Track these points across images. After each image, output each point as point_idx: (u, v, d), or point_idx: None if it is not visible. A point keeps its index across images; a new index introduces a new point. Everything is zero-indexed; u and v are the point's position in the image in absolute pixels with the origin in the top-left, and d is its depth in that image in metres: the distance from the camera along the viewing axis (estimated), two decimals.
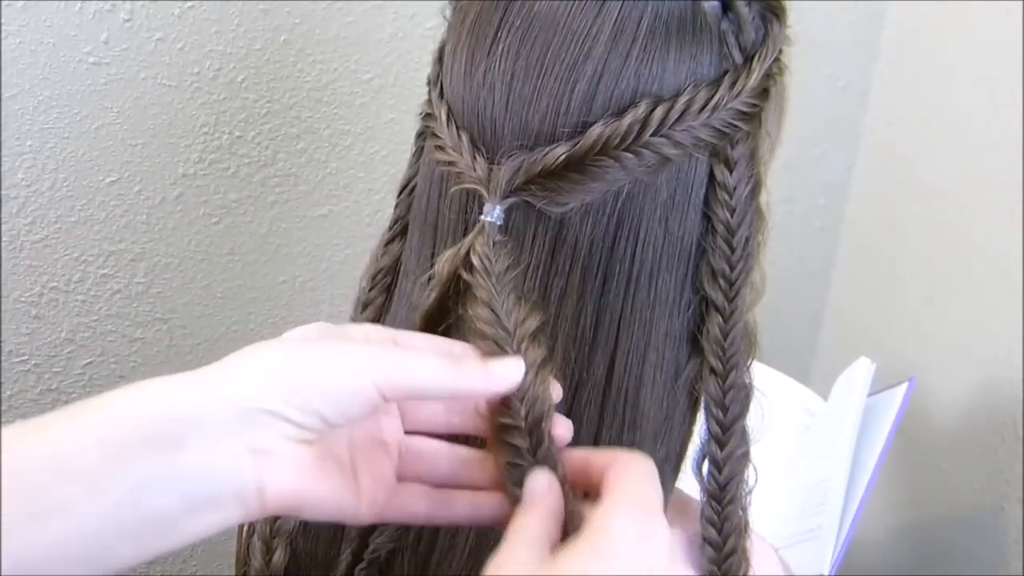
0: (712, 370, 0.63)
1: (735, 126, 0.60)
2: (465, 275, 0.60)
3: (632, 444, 0.63)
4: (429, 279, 0.62)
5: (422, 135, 0.68)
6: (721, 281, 0.62)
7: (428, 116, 0.66)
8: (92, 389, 1.37)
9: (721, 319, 0.62)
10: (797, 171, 1.70)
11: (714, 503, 0.63)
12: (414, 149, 0.70)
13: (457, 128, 0.62)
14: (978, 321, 1.45)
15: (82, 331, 1.34)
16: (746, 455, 0.63)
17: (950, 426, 1.51)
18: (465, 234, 0.62)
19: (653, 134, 0.58)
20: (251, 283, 1.39)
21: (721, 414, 0.63)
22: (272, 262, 1.39)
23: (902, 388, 1.28)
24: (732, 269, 0.62)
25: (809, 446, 1.38)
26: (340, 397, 0.51)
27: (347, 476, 0.55)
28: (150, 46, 1.22)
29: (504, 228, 0.60)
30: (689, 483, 0.70)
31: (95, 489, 0.47)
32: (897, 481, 1.58)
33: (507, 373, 0.55)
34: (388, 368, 0.52)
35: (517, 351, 0.57)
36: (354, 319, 0.71)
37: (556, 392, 0.57)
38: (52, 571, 0.46)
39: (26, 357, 1.33)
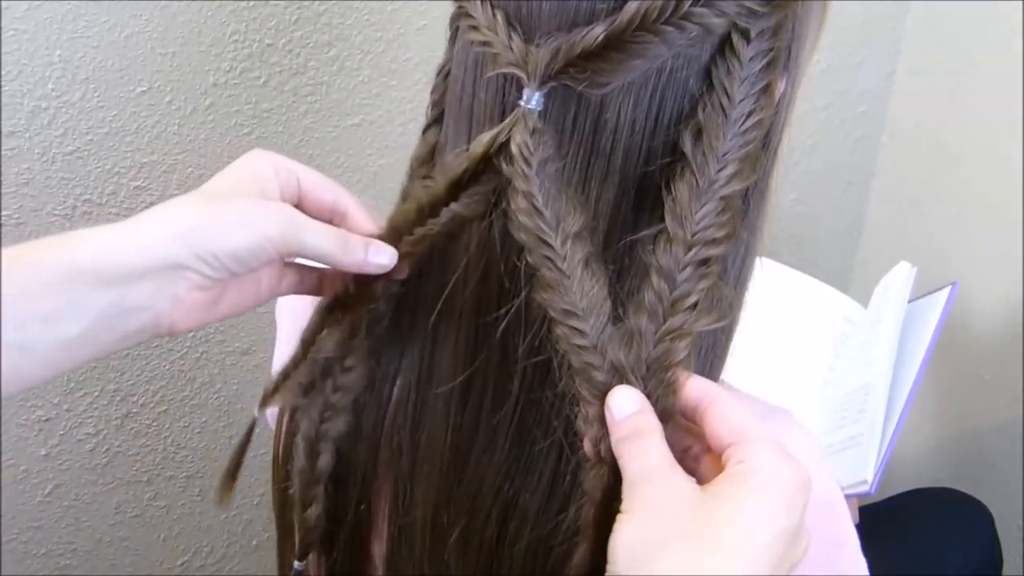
0: (669, 240, 0.56)
1: None
2: (505, 167, 0.59)
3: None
4: (466, 149, 0.61)
5: (457, 18, 0.66)
6: (706, 148, 0.56)
7: None
8: None
9: (696, 188, 0.56)
10: (836, 79, 1.67)
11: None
12: (449, 34, 0.68)
13: (492, 7, 0.60)
14: (1019, 228, 1.43)
15: None
16: (680, 338, 0.56)
17: (990, 333, 1.50)
18: (502, 119, 0.61)
19: (693, 3, 0.55)
20: None
21: (668, 288, 0.56)
22: None
23: (944, 293, 1.27)
24: (724, 139, 0.56)
25: (849, 354, 1.36)
26: (243, 255, 0.59)
27: (248, 284, 0.66)
28: None
29: (543, 114, 0.59)
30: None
31: (53, 323, 0.56)
32: (938, 390, 1.56)
33: (382, 256, 0.64)
34: (287, 234, 0.61)
35: (562, 247, 0.57)
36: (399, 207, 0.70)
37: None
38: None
39: None
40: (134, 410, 1.44)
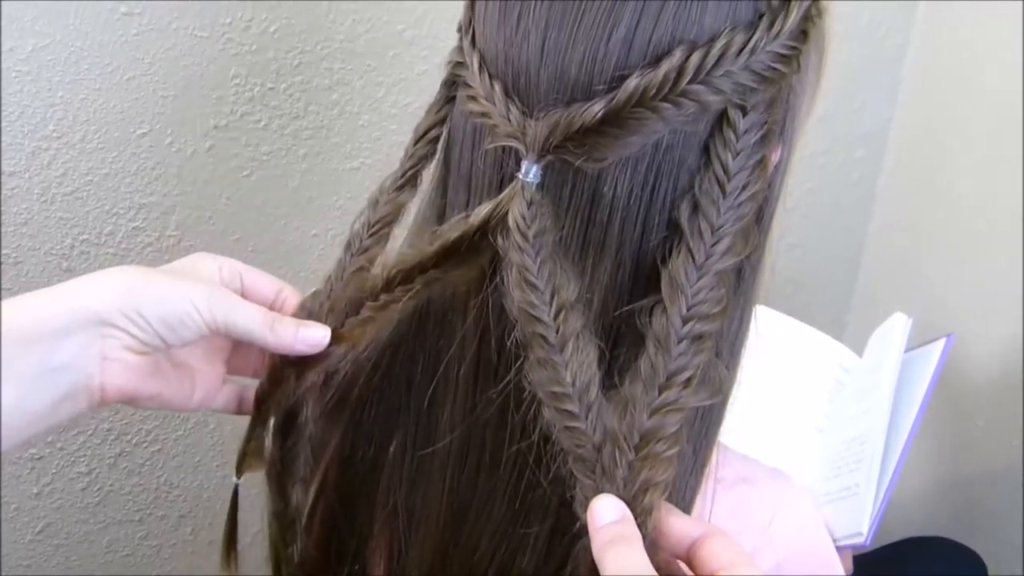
0: (665, 312, 0.57)
1: (775, 69, 0.57)
2: (501, 240, 0.59)
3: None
4: (465, 217, 0.61)
5: (450, 84, 0.67)
6: (702, 221, 0.57)
7: (459, 64, 0.64)
8: None
9: (692, 263, 0.57)
10: (834, 124, 1.68)
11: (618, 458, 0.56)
12: (437, 97, 0.69)
13: (490, 77, 0.60)
14: (1018, 275, 1.43)
15: None
16: (672, 412, 0.56)
17: (987, 380, 1.50)
18: (501, 188, 0.61)
19: (691, 81, 0.55)
20: (282, 237, 1.38)
21: (663, 361, 0.56)
22: (304, 215, 1.38)
23: (940, 343, 1.27)
24: (719, 213, 0.57)
25: (844, 402, 1.37)
26: (173, 322, 0.61)
27: (183, 377, 0.68)
28: None
29: (540, 186, 0.59)
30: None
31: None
32: (934, 437, 1.56)
33: (312, 336, 0.66)
34: (214, 306, 0.62)
35: (555, 320, 0.57)
36: (342, 263, 0.71)
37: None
38: None
39: None
40: (127, 449, 1.44)
